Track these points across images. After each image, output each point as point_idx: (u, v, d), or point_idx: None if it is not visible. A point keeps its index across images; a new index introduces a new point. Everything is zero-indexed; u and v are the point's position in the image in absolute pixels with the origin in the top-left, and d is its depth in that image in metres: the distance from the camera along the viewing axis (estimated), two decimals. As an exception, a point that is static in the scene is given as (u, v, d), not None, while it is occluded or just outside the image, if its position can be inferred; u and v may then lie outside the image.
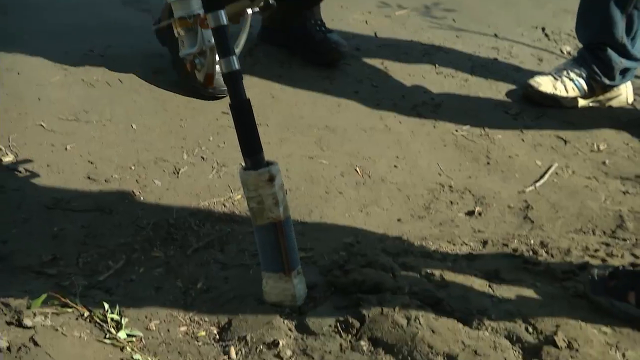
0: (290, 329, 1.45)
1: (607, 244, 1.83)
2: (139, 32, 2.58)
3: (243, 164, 1.51)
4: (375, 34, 2.97)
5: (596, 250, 1.79)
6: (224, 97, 2.25)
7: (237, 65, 1.50)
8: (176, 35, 1.62)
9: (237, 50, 1.58)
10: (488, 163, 2.22)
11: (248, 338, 1.42)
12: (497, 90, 2.65)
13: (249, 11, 1.63)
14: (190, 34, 1.61)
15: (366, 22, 3.08)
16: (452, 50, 2.90)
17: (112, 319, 1.45)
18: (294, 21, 2.60)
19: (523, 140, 2.35)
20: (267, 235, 1.50)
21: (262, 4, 1.60)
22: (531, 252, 1.77)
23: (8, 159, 1.96)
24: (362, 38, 2.91)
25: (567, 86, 2.57)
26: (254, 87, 2.41)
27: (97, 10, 2.93)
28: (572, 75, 2.58)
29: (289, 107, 2.38)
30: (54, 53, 2.50)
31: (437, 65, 2.76)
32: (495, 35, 3.07)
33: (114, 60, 2.49)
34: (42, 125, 2.12)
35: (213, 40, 1.53)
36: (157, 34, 2.40)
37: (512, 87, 2.67)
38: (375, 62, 2.73)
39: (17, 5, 2.90)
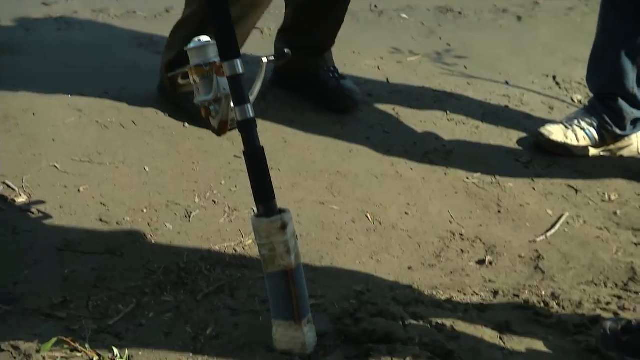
0: (299, 378, 1.44)
1: (619, 297, 1.82)
2: (153, 74, 2.60)
3: (255, 209, 1.51)
4: (387, 79, 2.99)
5: (608, 304, 1.78)
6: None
7: (251, 114, 1.52)
8: (192, 82, 1.64)
9: (252, 98, 1.59)
10: (499, 211, 2.22)
11: (257, 387, 1.42)
12: (508, 137, 2.66)
13: (264, 59, 1.65)
14: (206, 81, 1.62)
15: (378, 67, 3.10)
16: (463, 97, 2.92)
17: (121, 365, 1.45)
18: (307, 69, 2.63)
19: (534, 189, 2.35)
20: (278, 282, 1.50)
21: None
22: (542, 304, 1.76)
23: (21, 199, 1.98)
24: (374, 84, 2.93)
25: (578, 135, 2.57)
26: (267, 131, 2.42)
27: (112, 52, 2.97)
28: (583, 124, 2.59)
29: (301, 151, 2.39)
30: (68, 94, 2.52)
31: (448, 112, 2.77)
32: (507, 83, 3.09)
33: (128, 102, 2.51)
34: (55, 166, 2.13)
35: (228, 88, 1.56)
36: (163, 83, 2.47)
37: (523, 134, 2.68)
38: (387, 108, 2.75)
39: (33, 46, 2.94)
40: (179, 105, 2.46)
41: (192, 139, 2.36)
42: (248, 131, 1.52)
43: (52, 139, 2.26)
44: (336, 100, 2.65)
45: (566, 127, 2.59)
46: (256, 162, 1.51)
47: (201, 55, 1.62)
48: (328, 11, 2.59)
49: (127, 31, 3.23)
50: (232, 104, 1.55)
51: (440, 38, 3.54)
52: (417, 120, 2.70)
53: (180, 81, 1.86)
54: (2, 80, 2.58)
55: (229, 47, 1.54)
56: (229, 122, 1.65)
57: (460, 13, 3.93)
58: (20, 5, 3.46)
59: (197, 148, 2.32)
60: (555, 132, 2.57)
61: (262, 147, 1.52)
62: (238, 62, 1.53)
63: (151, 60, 2.82)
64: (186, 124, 2.43)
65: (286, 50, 1.69)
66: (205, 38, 1.64)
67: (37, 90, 2.52)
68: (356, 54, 3.20)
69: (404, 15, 3.80)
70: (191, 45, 1.63)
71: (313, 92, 2.65)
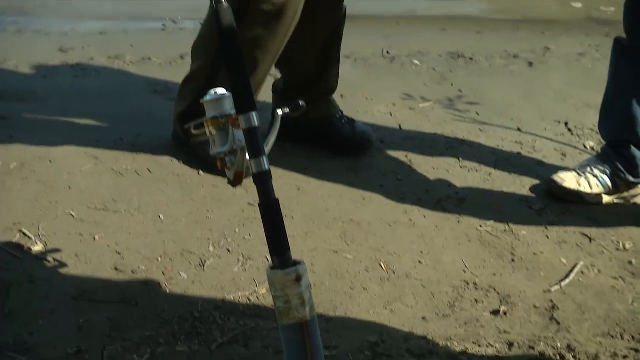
0: None
1: (637, 350, 1.81)
2: (168, 121, 2.63)
3: (269, 258, 1.52)
4: (400, 126, 3.01)
5: (625, 357, 1.77)
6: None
7: (267, 166, 1.53)
8: (208, 134, 1.65)
9: (267, 149, 1.61)
10: (513, 260, 2.21)
11: None
12: (521, 184, 2.66)
13: (279, 112, 1.67)
14: (222, 133, 1.63)
15: (391, 114, 3.13)
16: (475, 144, 2.93)
17: (135, 418, 1.44)
18: (319, 121, 2.66)
19: (548, 237, 2.35)
20: (292, 335, 1.49)
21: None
22: (559, 357, 1.75)
23: (37, 248, 1.99)
24: (387, 130, 2.95)
25: (591, 182, 2.58)
26: (280, 179, 2.44)
27: (128, 99, 3.01)
28: (596, 171, 2.59)
29: (314, 199, 2.40)
30: (85, 141, 2.55)
31: (461, 159, 2.78)
32: (519, 129, 3.11)
33: (144, 149, 2.54)
34: (72, 214, 2.15)
35: (244, 140, 1.58)
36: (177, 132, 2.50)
37: (536, 181, 2.69)
38: (400, 155, 2.76)
39: (50, 93, 2.99)
40: (193, 154, 2.48)
41: (206, 187, 2.38)
42: (263, 184, 1.54)
43: (68, 187, 2.28)
44: (355, 147, 2.68)
45: (579, 174, 2.59)
46: (271, 214, 1.52)
47: (217, 108, 1.64)
48: (327, 53, 2.62)
49: (143, 78, 3.27)
50: (247, 156, 1.57)
51: (452, 84, 3.57)
52: (430, 167, 2.71)
53: (194, 131, 1.88)
54: (19, 128, 2.62)
55: (245, 100, 1.56)
56: (244, 173, 1.67)
57: (471, 59, 3.97)
58: (38, 52, 3.53)
59: (211, 196, 2.34)
60: (568, 180, 2.58)
61: (277, 199, 1.53)
62: (254, 115, 1.55)
63: (166, 107, 2.85)
64: (200, 172, 2.45)
65: (301, 103, 1.71)
66: (220, 91, 1.65)
67: (54, 137, 2.55)
68: (369, 100, 3.23)
69: (416, 62, 3.84)
70: (207, 98, 1.65)
71: (328, 142, 2.68)
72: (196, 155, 2.47)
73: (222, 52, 1.57)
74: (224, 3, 1.57)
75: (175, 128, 2.57)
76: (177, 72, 3.11)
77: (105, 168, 2.41)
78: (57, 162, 2.41)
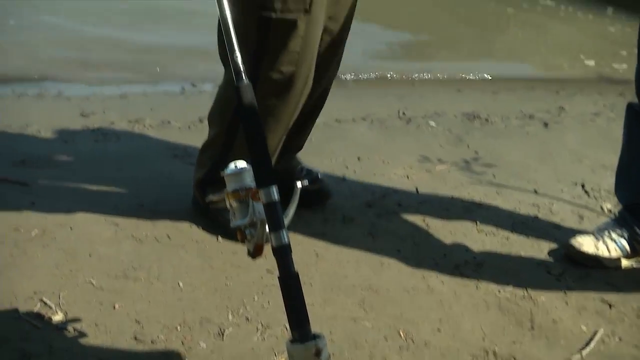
0: None
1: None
2: (187, 186, 2.66)
3: (288, 328, 1.52)
4: (417, 189, 3.03)
5: None
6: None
7: (286, 239, 1.56)
8: (228, 207, 1.68)
9: (287, 221, 1.63)
10: (532, 327, 2.20)
11: None
12: (539, 248, 2.66)
13: (299, 184, 1.70)
14: (242, 206, 1.66)
15: (407, 177, 3.15)
16: (492, 207, 2.94)
17: None
18: (282, 175, 2.66)
19: (567, 303, 2.34)
20: (313, 408, 1.50)
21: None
22: None
23: (58, 317, 2.00)
24: (403, 194, 2.97)
25: (609, 247, 2.57)
26: (299, 245, 2.45)
27: (148, 163, 3.05)
28: (614, 235, 2.59)
29: (332, 266, 2.41)
30: (104, 207, 2.59)
31: (478, 223, 2.79)
32: (535, 192, 3.11)
33: (163, 215, 2.57)
34: (92, 282, 2.17)
35: (264, 213, 1.60)
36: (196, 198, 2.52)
37: (554, 245, 2.68)
38: (417, 219, 2.77)
39: (71, 159, 3.03)
40: (213, 220, 2.50)
41: (225, 253, 2.40)
42: (283, 257, 1.56)
43: (89, 254, 2.30)
44: (315, 198, 2.68)
45: (597, 238, 2.59)
46: (291, 288, 1.54)
47: (238, 181, 1.66)
48: (308, 117, 2.64)
49: (162, 142, 3.32)
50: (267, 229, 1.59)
51: (468, 145, 3.59)
52: (447, 231, 2.72)
53: (212, 198, 1.91)
54: (40, 194, 2.66)
55: (265, 174, 1.59)
56: (264, 245, 1.69)
57: (487, 120, 4.00)
58: (59, 117, 3.59)
59: (230, 263, 2.35)
60: (586, 244, 2.57)
61: (297, 273, 1.55)
62: (274, 189, 1.58)
63: (185, 172, 2.88)
64: (219, 238, 2.47)
65: (319, 175, 1.74)
66: (241, 164, 1.68)
67: (75, 203, 2.59)
68: (385, 163, 3.25)
69: (432, 123, 3.88)
70: (227, 171, 1.67)
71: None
72: (215, 222, 2.49)
73: (243, 128, 1.61)
74: (245, 80, 1.61)
75: (194, 194, 2.60)
76: (196, 136, 3.16)
77: (125, 235, 2.43)
78: (78, 229, 2.43)
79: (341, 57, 2.59)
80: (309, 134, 2.75)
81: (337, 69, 2.63)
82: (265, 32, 2.26)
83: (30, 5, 5.51)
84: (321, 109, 2.68)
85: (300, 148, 2.76)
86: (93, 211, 2.55)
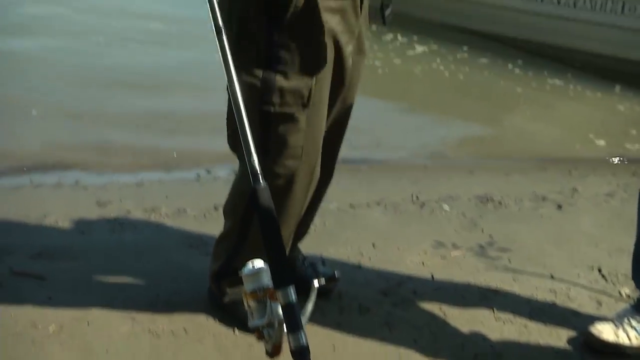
0: None
1: None
2: (203, 277, 2.67)
3: None
4: (432, 276, 3.02)
5: None
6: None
7: (305, 341, 1.56)
8: (245, 307, 1.69)
9: (304, 320, 1.64)
10: (554, 421, 2.17)
11: None
12: (558, 337, 2.64)
13: (316, 283, 1.71)
14: (260, 306, 1.67)
15: (423, 263, 3.15)
16: (509, 294, 2.92)
17: None
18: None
19: (588, 395, 2.31)
20: None
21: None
22: None
23: (75, 417, 2.00)
24: (419, 281, 2.97)
25: (630, 334, 2.54)
26: (315, 336, 2.43)
27: (164, 254, 3.06)
28: (634, 322, 2.57)
29: (350, 359, 2.39)
30: (122, 300, 2.59)
31: (495, 310, 2.77)
32: (552, 277, 3.10)
33: (180, 307, 2.57)
34: (108, 380, 2.16)
35: (282, 314, 1.61)
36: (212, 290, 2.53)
37: (572, 333, 2.66)
38: (433, 307, 2.76)
39: (87, 250, 3.04)
40: (229, 312, 2.50)
41: (241, 347, 2.39)
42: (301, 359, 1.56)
43: (106, 350, 2.30)
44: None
45: (616, 325, 2.57)
46: (310, 390, 1.54)
47: (255, 282, 1.68)
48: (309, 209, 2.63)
49: (178, 231, 3.34)
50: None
51: (482, 230, 3.59)
52: (464, 319, 2.70)
53: (229, 291, 1.91)
54: (57, 288, 2.67)
55: (282, 275, 1.61)
56: (282, 346, 1.69)
57: (500, 202, 4.01)
58: (76, 206, 3.62)
59: (247, 356, 2.35)
60: (606, 332, 2.55)
61: (314, 375, 1.55)
62: (291, 290, 1.60)
63: (201, 263, 2.89)
64: (236, 330, 2.46)
65: (336, 274, 1.75)
66: (258, 263, 1.70)
67: (92, 297, 2.60)
68: (400, 250, 3.25)
69: (446, 206, 3.89)
70: (245, 271, 1.69)
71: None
72: (232, 315, 2.49)
73: (261, 230, 1.63)
74: (262, 183, 1.64)
75: (210, 285, 2.61)
76: (212, 225, 3.18)
77: (142, 329, 2.44)
78: (95, 324, 2.44)
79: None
80: (310, 223, 2.75)
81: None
82: (267, 126, 2.27)
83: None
84: (324, 194, 2.69)
85: (304, 235, 2.76)
86: (110, 304, 2.56)
